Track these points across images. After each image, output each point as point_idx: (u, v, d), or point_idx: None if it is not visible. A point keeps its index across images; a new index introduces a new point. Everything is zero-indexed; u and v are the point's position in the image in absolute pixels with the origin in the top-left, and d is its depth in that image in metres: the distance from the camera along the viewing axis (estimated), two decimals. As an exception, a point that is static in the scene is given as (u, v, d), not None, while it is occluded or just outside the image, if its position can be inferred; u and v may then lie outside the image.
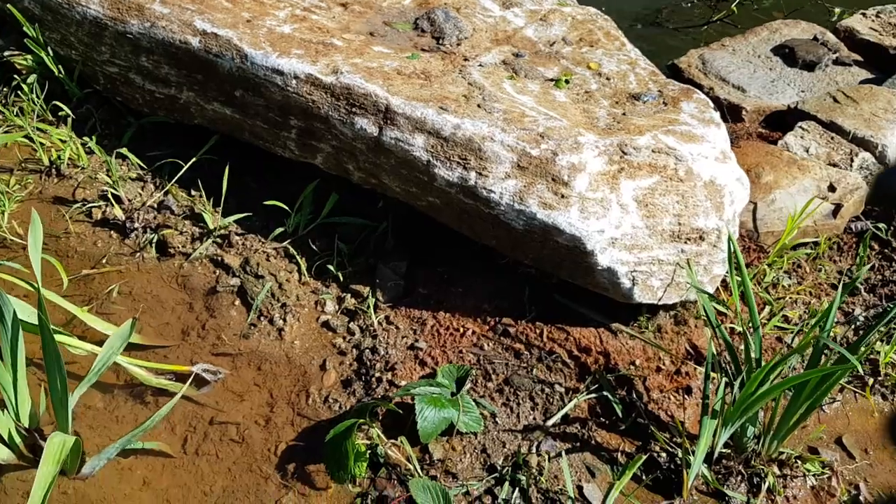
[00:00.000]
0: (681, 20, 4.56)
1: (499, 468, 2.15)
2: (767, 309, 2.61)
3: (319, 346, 2.43)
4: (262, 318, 2.47)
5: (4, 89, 3.06)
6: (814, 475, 2.23)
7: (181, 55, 2.67)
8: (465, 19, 2.91)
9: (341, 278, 2.59)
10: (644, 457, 1.99)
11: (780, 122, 3.40)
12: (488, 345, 2.39)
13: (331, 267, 2.59)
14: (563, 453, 2.11)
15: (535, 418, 2.27)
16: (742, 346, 2.17)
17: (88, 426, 2.13)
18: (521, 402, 2.29)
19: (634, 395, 2.34)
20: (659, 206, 2.26)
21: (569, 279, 2.36)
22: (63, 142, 2.87)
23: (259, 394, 2.29)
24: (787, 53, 3.83)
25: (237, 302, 2.51)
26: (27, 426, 2.00)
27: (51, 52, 2.96)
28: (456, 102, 2.42)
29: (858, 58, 3.89)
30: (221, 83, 2.64)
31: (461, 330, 2.44)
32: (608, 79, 2.73)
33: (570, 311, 2.43)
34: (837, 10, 4.56)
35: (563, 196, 2.22)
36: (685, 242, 2.28)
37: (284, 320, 2.46)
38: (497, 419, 2.26)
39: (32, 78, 2.98)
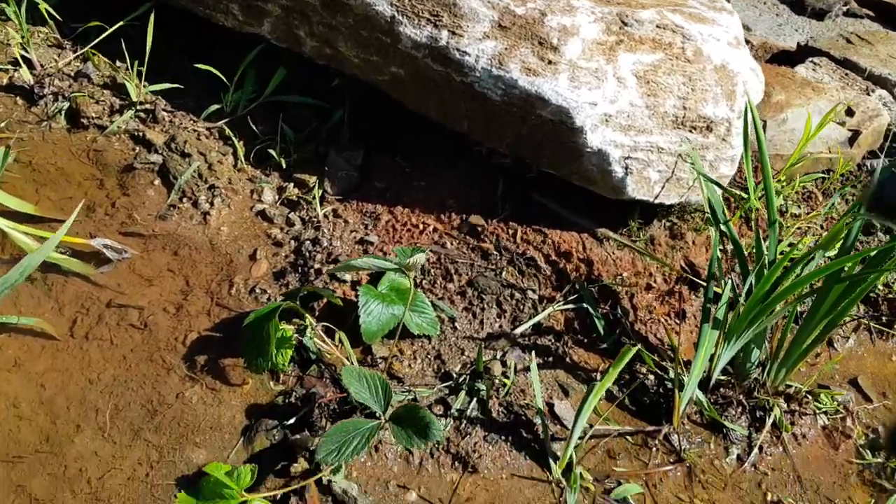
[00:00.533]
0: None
1: (455, 376, 1.78)
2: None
3: (251, 236, 2.04)
4: (184, 200, 2.07)
5: None
6: (826, 413, 1.89)
7: None
8: None
9: (284, 166, 2.21)
10: (620, 370, 1.62)
11: (789, 61, 3.08)
12: (451, 243, 2.02)
13: (273, 152, 2.21)
14: (533, 367, 1.74)
15: (501, 326, 1.90)
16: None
17: (-45, 297, 1.71)
18: (486, 307, 1.92)
19: (619, 312, 1.98)
20: (662, 86, 1.91)
21: (550, 169, 2.00)
22: (-29, 1, 2.46)
23: (172, 280, 1.89)
24: (795, 1, 3.54)
25: (157, 182, 2.11)
26: None
27: None
28: (430, -42, 2.05)
29: (870, 13, 3.61)
30: (158, -68, 2.25)
31: (420, 226, 2.06)
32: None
33: (549, 211, 2.07)
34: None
35: (550, 62, 1.86)
36: (690, 131, 1.93)
37: (211, 204, 2.07)
38: (456, 324, 1.89)
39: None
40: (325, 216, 2.10)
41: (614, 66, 1.88)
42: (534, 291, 1.96)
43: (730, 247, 2.05)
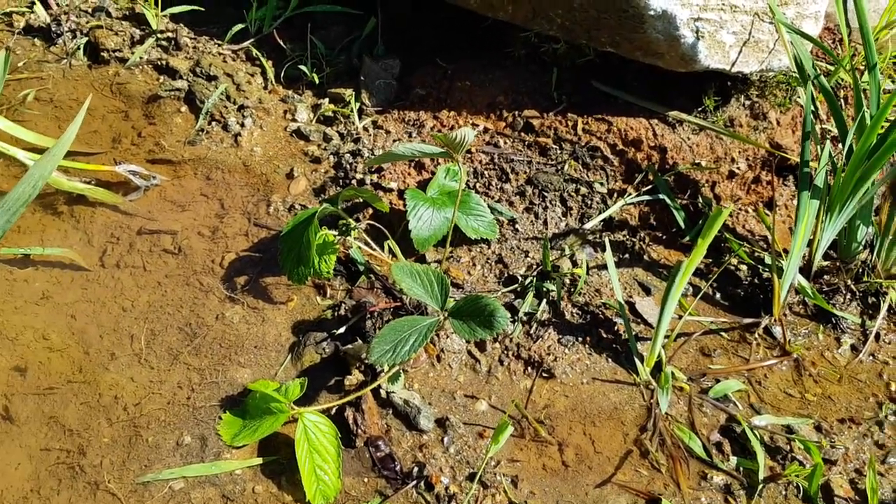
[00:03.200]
0: None
1: (520, 279, 1.59)
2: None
3: (287, 155, 1.88)
4: (213, 124, 1.93)
5: None
6: (951, 297, 1.64)
7: None
8: None
9: (317, 82, 2.04)
10: (710, 240, 1.40)
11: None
12: (505, 142, 1.82)
13: (304, 69, 2.04)
14: (609, 260, 1.53)
15: (567, 224, 1.71)
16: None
17: (-24, 234, 1.60)
18: (548, 205, 1.72)
19: (700, 202, 1.76)
20: (731, -65, 1.66)
21: (610, 48, 1.77)
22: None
23: (206, 203, 1.75)
24: None
25: (183, 108, 1.97)
26: None
27: None
28: None
29: None
30: None
31: (469, 127, 1.86)
32: None
33: (612, 98, 1.85)
34: None
35: (600, -81, 1.64)
36: (767, -15, 1.69)
37: (242, 125, 1.92)
38: (517, 226, 1.70)
39: None
40: (365, 128, 1.92)
41: (674, -82, 1.64)
42: (602, 185, 1.75)
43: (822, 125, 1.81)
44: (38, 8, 2.15)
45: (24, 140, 1.80)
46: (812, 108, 1.58)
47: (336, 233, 1.52)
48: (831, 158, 1.53)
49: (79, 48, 2.10)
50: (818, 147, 1.56)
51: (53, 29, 2.13)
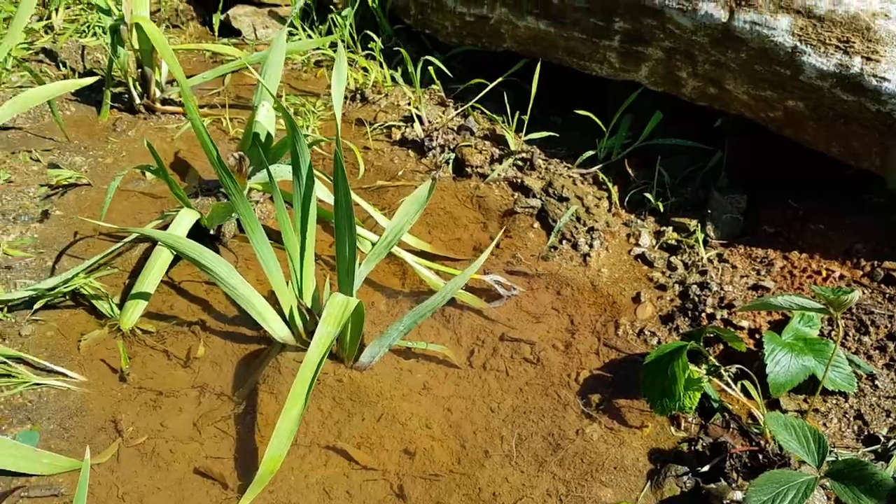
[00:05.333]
0: None
1: (882, 439, 1.55)
2: None
3: (631, 279, 2.00)
4: (564, 242, 2.10)
5: (320, 26, 3.08)
6: None
7: (499, -34, 2.45)
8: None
9: (661, 210, 2.15)
10: None
11: None
12: (864, 292, 1.80)
13: (649, 196, 2.17)
14: None
15: (935, 388, 1.63)
16: None
17: (370, 322, 1.88)
18: (913, 364, 1.66)
19: None
20: None
21: None
22: (367, 71, 2.78)
23: (557, 318, 1.90)
24: None
25: (536, 224, 2.17)
26: (308, 306, 1.78)
27: (366, -17, 2.92)
28: (834, -16, 1.91)
29: None
30: (540, -10, 2.37)
31: (823, 273, 1.87)
32: None
33: None
34: None
35: None
36: None
37: (591, 246, 2.07)
38: (877, 382, 1.65)
39: (347, 11, 2.95)
40: (710, 260, 1.99)
41: None
42: (975, 350, 1.66)
43: None
44: (416, 125, 2.50)
45: (404, 242, 2.09)
46: None
47: (703, 371, 1.58)
48: None
49: (446, 162, 2.40)
50: None
51: (426, 144, 2.46)
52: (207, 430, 1.61)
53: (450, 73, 2.69)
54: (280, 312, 1.78)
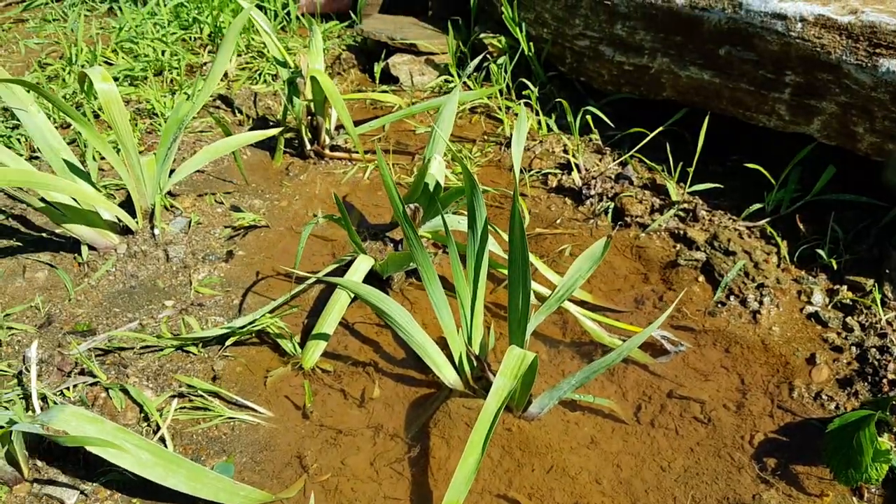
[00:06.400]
0: None
1: None
2: None
3: (804, 339, 1.94)
4: (731, 298, 2.07)
5: (476, 74, 3.18)
6: None
7: (661, 16, 2.47)
8: None
9: (834, 267, 2.08)
10: None
11: None
12: None
13: (821, 252, 2.10)
14: None
15: None
16: None
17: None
18: None
19: None
20: None
21: None
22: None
23: (727, 376, 1.87)
24: None
25: (700, 278, 2.15)
26: (476, 353, 1.84)
27: (523, 31, 2.99)
28: None
29: None
30: (703, 43, 2.37)
31: None
32: None
33: None
34: None
35: None
36: None
37: (760, 303, 2.03)
38: None
39: (503, 59, 3.04)
40: (889, 322, 1.91)
41: None
42: None
43: None
44: (574, 172, 2.53)
45: (575, 296, 2.11)
46: None
47: (892, 444, 1.52)
48: None
49: (605, 211, 2.41)
50: None
51: (584, 192, 2.49)
52: (384, 470, 1.69)
53: (608, 122, 2.71)
54: (450, 358, 1.85)
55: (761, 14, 2.19)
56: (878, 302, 1.95)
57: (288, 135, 2.91)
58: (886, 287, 1.98)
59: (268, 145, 2.88)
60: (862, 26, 1.99)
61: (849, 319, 1.95)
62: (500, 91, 3.03)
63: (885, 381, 1.76)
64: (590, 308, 2.10)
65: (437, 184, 2.20)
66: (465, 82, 3.15)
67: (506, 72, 3.01)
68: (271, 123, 3.02)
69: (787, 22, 2.13)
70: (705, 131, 2.40)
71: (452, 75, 3.17)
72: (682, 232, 2.27)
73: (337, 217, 2.06)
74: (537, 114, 2.85)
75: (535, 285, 2.09)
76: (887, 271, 2.00)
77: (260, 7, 3.79)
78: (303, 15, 3.85)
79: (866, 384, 1.78)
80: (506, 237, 2.13)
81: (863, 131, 2.06)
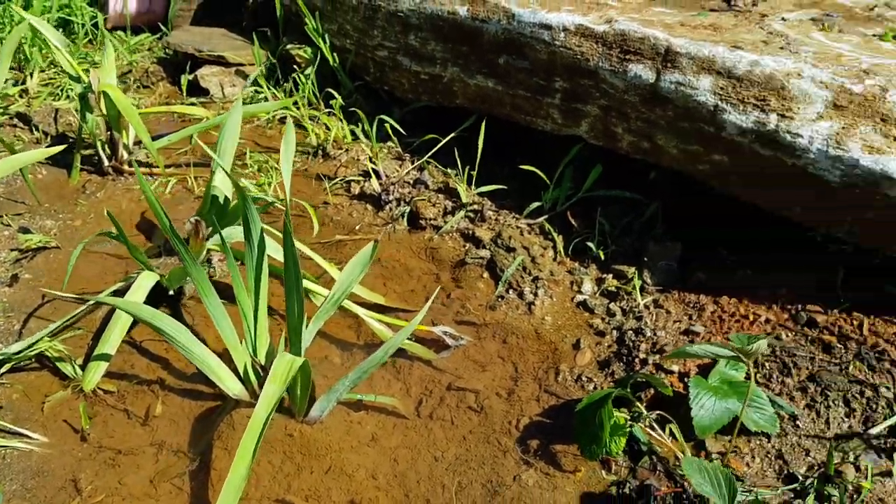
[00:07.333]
0: None
1: (800, 478, 1.64)
2: None
3: (573, 325, 2.10)
4: (510, 291, 2.20)
5: (285, 84, 3.21)
6: None
7: (447, 28, 2.59)
8: (761, -15, 2.53)
9: (602, 258, 2.26)
10: None
11: None
12: (787, 335, 1.91)
13: (591, 245, 2.28)
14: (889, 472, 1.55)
15: (850, 426, 1.73)
16: None
17: (323, 376, 1.97)
18: (831, 404, 1.77)
19: None
20: None
21: (902, 254, 1.82)
22: (329, 128, 2.90)
23: (502, 366, 2.00)
24: None
25: (485, 275, 2.28)
26: (262, 363, 1.88)
27: (327, 42, 3.05)
28: (752, 45, 2.04)
29: None
30: (485, 53, 2.51)
31: (750, 317, 1.98)
32: (950, 35, 2.18)
33: (902, 301, 1.88)
34: None
35: (897, 138, 1.73)
36: None
37: (535, 294, 2.17)
38: (798, 422, 1.75)
39: (309, 70, 3.08)
40: (646, 306, 2.10)
41: (978, 138, 1.70)
42: (888, 388, 1.76)
43: None
44: (374, 180, 2.61)
45: (358, 295, 2.19)
46: None
47: (628, 417, 1.68)
48: None
49: (402, 215, 2.51)
50: None
51: (383, 198, 2.57)
52: (163, 486, 1.69)
53: (406, 129, 2.81)
54: (235, 370, 1.87)
55: (531, 25, 2.34)
56: (638, 288, 2.14)
57: (87, 151, 2.83)
58: (646, 274, 2.17)
59: (66, 163, 2.80)
60: (615, 34, 2.18)
61: (612, 305, 2.13)
62: (308, 101, 3.07)
63: (637, 360, 1.94)
64: (384, 310, 2.18)
65: (226, 197, 2.22)
66: (274, 93, 3.17)
67: (312, 83, 3.06)
68: (71, 140, 2.93)
69: (552, 32, 2.29)
70: (493, 135, 2.55)
71: (262, 86, 3.18)
72: (471, 232, 2.40)
73: (115, 234, 2.04)
74: (343, 122, 2.91)
75: (326, 291, 2.14)
76: (645, 259, 2.20)
77: (67, 21, 3.66)
78: (112, 29, 3.74)
79: (622, 364, 1.95)
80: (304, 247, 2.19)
81: (622, 132, 2.25)
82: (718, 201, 2.18)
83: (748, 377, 1.82)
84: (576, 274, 2.25)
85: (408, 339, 2.06)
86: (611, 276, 2.22)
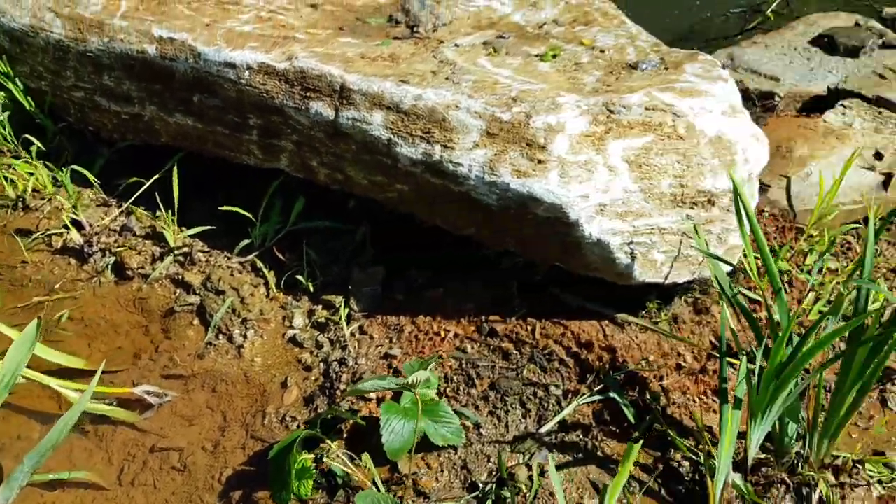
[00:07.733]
0: (715, 32, 4.19)
1: (481, 485, 1.78)
2: (811, 295, 2.20)
3: (283, 363, 2.13)
4: (220, 336, 2.20)
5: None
6: (881, 483, 1.79)
7: (138, 67, 2.51)
8: (444, 8, 2.67)
9: (312, 289, 2.31)
10: (628, 470, 1.59)
11: (820, 107, 3.00)
12: (472, 347, 2.05)
13: (300, 278, 2.32)
14: (552, 469, 1.72)
15: (526, 427, 1.91)
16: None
17: (14, 457, 1.86)
18: (509, 409, 1.93)
19: (649, 397, 1.95)
20: (655, 167, 1.92)
21: (560, 263, 2.02)
22: (31, 175, 2.73)
23: (211, 417, 2.00)
24: (826, 42, 3.42)
25: (195, 321, 2.25)
26: (-64, 458, 1.75)
27: (20, 85, 2.85)
28: (421, 77, 2.16)
29: (909, 43, 3.46)
30: (178, 91, 2.46)
31: (442, 333, 2.11)
32: (602, 51, 2.43)
33: (566, 304, 2.08)
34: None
35: (539, 161, 1.91)
36: (691, 207, 1.93)
37: (245, 337, 2.18)
38: (482, 430, 1.90)
39: (3, 115, 2.87)
40: (352, 334, 2.17)
41: (604, 156, 1.91)
42: (557, 387, 1.96)
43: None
44: (73, 231, 2.49)
45: (55, 362, 2.09)
46: (730, 325, 1.78)
47: (314, 457, 1.74)
48: (748, 374, 1.72)
49: (107, 267, 2.42)
50: (741, 355, 1.76)
51: (86, 250, 2.46)
52: None
53: (115, 170, 2.70)
54: None
55: (216, 63, 2.32)
56: (344, 317, 2.20)
57: None
58: (352, 301, 2.25)
59: None
60: (295, 72, 2.21)
61: (320, 337, 2.18)
62: (5, 150, 2.86)
63: (338, 391, 2.00)
64: (88, 375, 2.09)
65: None
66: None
67: (9, 131, 2.85)
68: None
69: (237, 70, 2.29)
70: (202, 173, 2.51)
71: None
72: (180, 277, 2.36)
73: None
74: (46, 169, 2.74)
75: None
76: (351, 287, 2.27)
77: None
78: None
79: (325, 398, 2.01)
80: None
81: (317, 164, 2.30)
82: (416, 225, 2.29)
83: (441, 394, 1.95)
84: (288, 308, 2.28)
85: (109, 404, 2.00)
86: (321, 307, 2.27)
